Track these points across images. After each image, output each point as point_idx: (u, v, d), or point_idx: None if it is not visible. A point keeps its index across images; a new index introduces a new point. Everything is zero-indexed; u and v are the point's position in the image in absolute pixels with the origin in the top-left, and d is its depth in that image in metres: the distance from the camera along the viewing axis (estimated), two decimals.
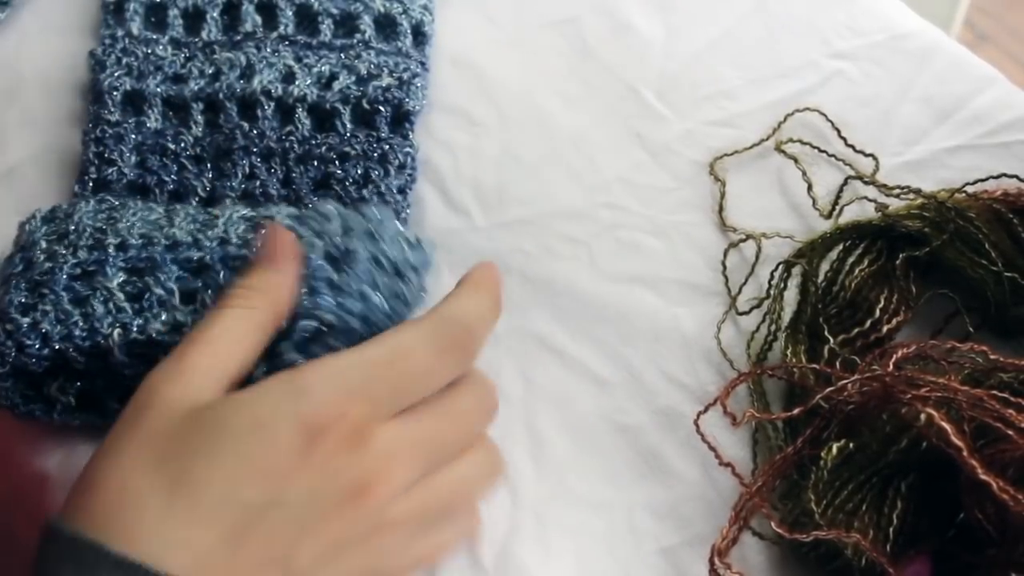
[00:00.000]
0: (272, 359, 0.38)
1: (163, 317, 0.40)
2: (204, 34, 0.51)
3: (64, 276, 0.41)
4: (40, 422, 0.42)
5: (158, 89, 0.49)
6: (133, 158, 0.48)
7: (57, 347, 0.40)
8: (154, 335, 0.40)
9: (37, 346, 0.40)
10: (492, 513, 0.42)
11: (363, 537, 0.35)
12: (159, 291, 0.41)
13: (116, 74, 0.49)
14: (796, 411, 0.40)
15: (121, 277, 0.41)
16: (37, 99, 0.51)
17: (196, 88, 0.49)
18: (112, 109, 0.49)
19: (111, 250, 0.42)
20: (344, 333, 0.38)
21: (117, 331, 0.40)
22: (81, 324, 0.40)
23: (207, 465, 0.33)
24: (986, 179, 0.46)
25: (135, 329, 0.40)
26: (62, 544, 0.32)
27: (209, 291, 0.41)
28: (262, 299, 0.38)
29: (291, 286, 0.38)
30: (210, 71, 0.49)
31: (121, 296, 0.41)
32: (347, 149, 0.48)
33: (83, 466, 0.42)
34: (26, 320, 0.40)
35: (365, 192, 0.47)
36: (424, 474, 0.36)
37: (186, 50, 0.50)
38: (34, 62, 0.52)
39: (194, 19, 0.51)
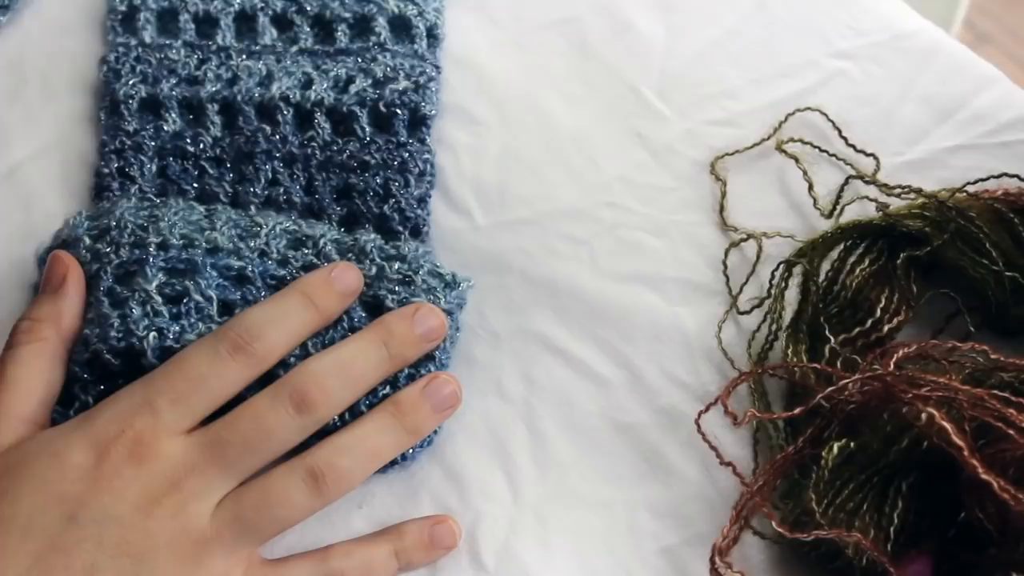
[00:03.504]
0: None
1: (200, 328, 0.41)
2: (219, 39, 0.51)
3: (109, 279, 0.42)
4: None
5: (173, 92, 0.49)
6: (153, 166, 0.48)
7: (94, 349, 0.41)
8: (182, 341, 0.40)
9: (77, 351, 0.41)
10: (493, 512, 0.43)
11: (165, 548, 0.36)
12: (197, 297, 0.41)
13: (131, 82, 0.49)
14: (797, 410, 0.40)
15: (161, 278, 0.41)
16: (38, 99, 0.51)
17: (212, 90, 0.49)
18: (129, 119, 0.49)
19: (152, 249, 0.42)
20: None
21: (152, 335, 0.40)
22: (117, 325, 0.41)
23: (12, 501, 0.36)
24: (987, 179, 0.46)
25: (171, 336, 0.40)
26: None
27: (247, 305, 0.42)
28: (49, 328, 0.40)
29: (76, 308, 0.41)
30: (227, 75, 0.49)
31: (159, 299, 0.41)
32: (367, 158, 0.47)
33: None
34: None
35: (386, 208, 0.47)
36: (236, 482, 0.38)
37: (200, 52, 0.50)
38: (35, 62, 0.52)
39: (207, 24, 0.51)
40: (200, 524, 0.37)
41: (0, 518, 0.35)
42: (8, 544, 0.35)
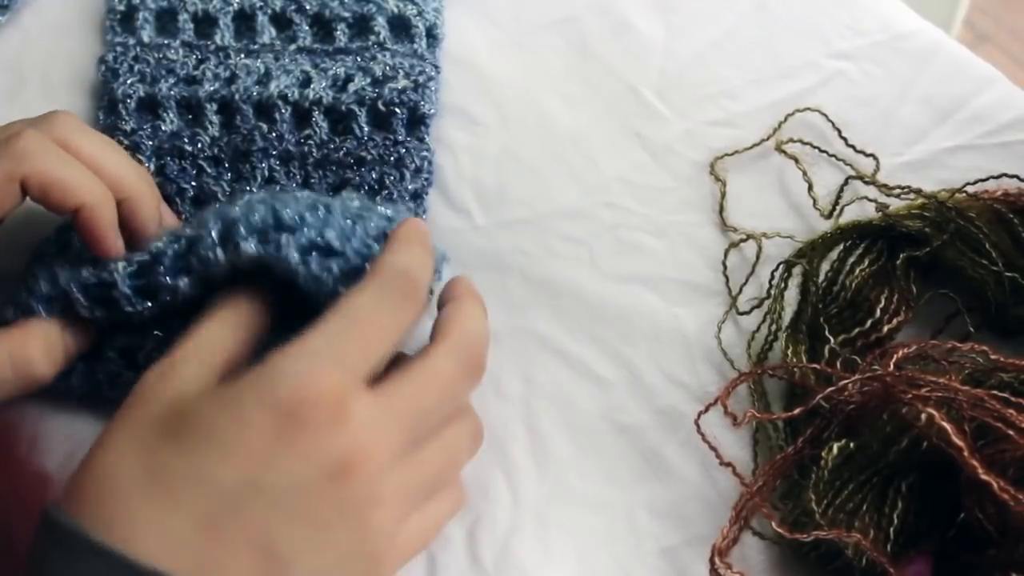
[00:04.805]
0: (270, 245, 0.39)
1: (164, 237, 0.41)
2: (217, 38, 0.51)
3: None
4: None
5: (171, 92, 0.49)
6: (151, 166, 0.48)
7: (63, 286, 0.40)
8: (154, 250, 0.40)
9: (45, 288, 0.40)
10: (493, 512, 0.43)
11: (351, 517, 0.34)
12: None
13: (129, 81, 0.49)
14: (797, 411, 0.40)
15: None
16: (38, 99, 0.51)
17: (211, 89, 0.49)
18: (127, 118, 0.49)
19: None
20: (342, 267, 0.39)
21: (122, 263, 0.40)
22: (92, 268, 0.40)
23: (183, 453, 0.34)
24: (986, 179, 0.46)
25: (137, 257, 0.40)
26: (51, 528, 0.33)
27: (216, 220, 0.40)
28: (250, 299, 0.39)
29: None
30: (225, 74, 0.49)
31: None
32: (364, 154, 0.48)
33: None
34: (44, 273, 0.41)
35: (378, 200, 0.47)
36: (410, 446, 0.36)
37: (198, 52, 0.50)
38: (35, 62, 0.52)
39: (205, 24, 0.51)
40: (386, 491, 0.35)
41: (171, 468, 0.33)
42: (176, 491, 0.33)
